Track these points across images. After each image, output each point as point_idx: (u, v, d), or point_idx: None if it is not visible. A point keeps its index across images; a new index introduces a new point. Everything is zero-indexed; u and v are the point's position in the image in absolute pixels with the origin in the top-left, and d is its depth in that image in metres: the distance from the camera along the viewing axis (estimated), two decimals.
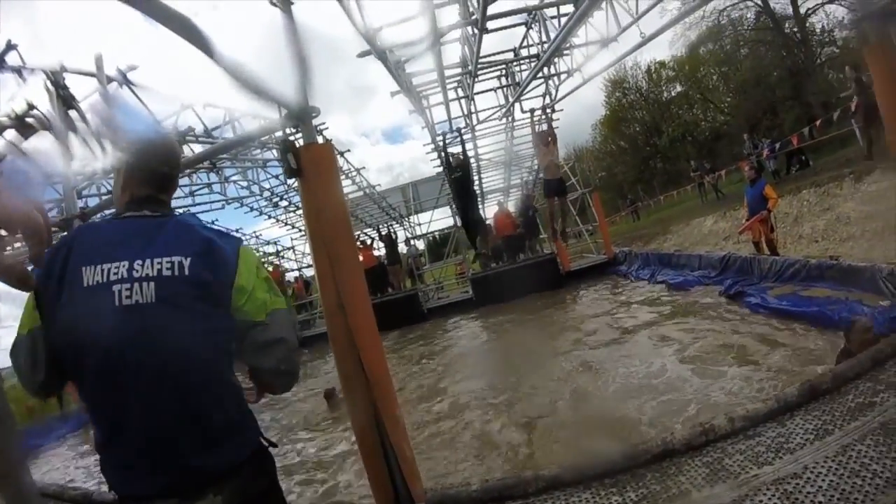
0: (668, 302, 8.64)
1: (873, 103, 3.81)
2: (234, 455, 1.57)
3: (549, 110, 11.58)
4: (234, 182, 14.87)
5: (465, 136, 11.66)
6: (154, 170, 1.67)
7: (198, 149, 9.44)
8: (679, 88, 35.46)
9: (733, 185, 21.02)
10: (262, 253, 22.72)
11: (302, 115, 2.58)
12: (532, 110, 10.48)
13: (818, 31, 27.36)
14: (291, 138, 2.68)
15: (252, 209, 17.27)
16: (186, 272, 1.49)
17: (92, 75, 6.29)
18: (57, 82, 6.04)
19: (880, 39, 3.57)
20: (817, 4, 26.29)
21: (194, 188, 14.01)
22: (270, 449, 1.76)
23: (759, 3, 28.17)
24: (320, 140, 2.73)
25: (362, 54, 6.71)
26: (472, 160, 12.90)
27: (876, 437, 2.24)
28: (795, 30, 27.44)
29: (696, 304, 7.91)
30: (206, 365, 1.51)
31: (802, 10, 26.87)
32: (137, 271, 1.46)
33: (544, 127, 10.49)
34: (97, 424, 1.52)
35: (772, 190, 9.49)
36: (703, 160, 24.94)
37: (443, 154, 10.42)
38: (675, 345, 6.16)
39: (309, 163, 2.48)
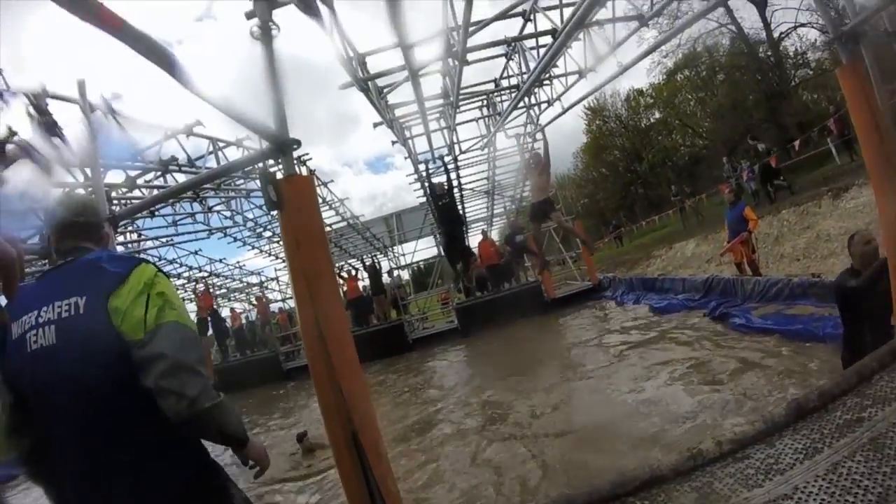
0: (654, 326, 8.66)
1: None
2: (158, 488, 1.56)
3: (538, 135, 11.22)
4: (218, 212, 14.77)
5: (448, 166, 11.72)
6: (71, 222, 1.75)
7: (181, 178, 9.39)
8: (658, 115, 35.97)
9: (714, 207, 21.25)
10: (244, 283, 22.50)
11: (282, 147, 2.58)
12: (518, 135, 10.31)
13: (792, 53, 27.97)
14: (273, 170, 2.69)
15: (236, 239, 17.12)
16: (82, 311, 1.53)
17: (75, 102, 6.22)
18: (39, 107, 5.99)
19: (851, 60, 3.66)
20: (790, 28, 26.91)
21: (178, 218, 13.88)
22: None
23: (734, 29, 28.81)
24: (303, 171, 2.72)
25: (345, 86, 6.73)
26: (455, 189, 12.89)
27: (866, 452, 2.23)
28: (769, 54, 28.05)
29: (681, 327, 7.94)
30: (108, 399, 1.51)
31: (775, 34, 27.50)
32: (42, 317, 1.54)
33: (538, 148, 9.92)
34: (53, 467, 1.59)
35: (751, 212, 9.59)
36: (682, 185, 25.26)
37: (426, 184, 10.38)
38: (663, 368, 6.16)
39: (289, 195, 2.47)
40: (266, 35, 2.68)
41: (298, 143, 2.64)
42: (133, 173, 8.35)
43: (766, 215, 14.11)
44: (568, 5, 6.22)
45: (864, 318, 3.86)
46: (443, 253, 11.71)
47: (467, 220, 18.40)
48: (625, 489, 2.48)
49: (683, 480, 2.45)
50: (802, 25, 26.12)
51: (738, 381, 5.15)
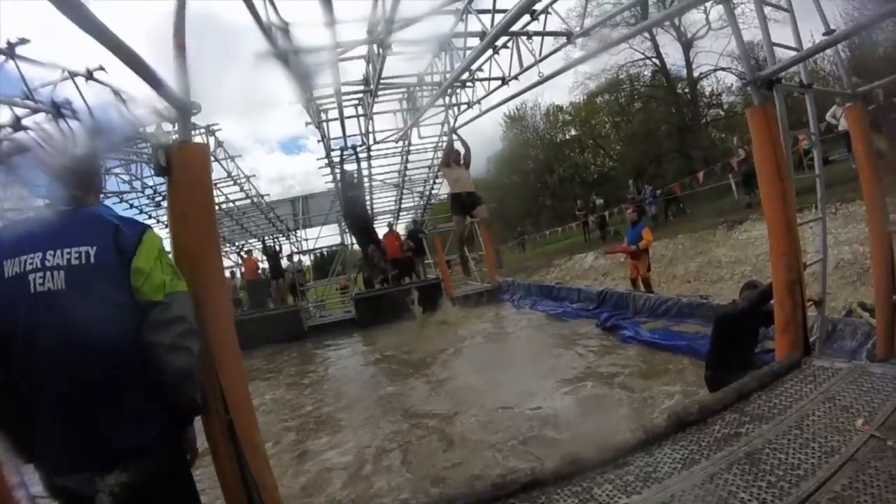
0: (547, 331, 8.91)
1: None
2: (141, 436, 1.70)
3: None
4: (116, 175, 13.70)
5: (360, 155, 11.49)
6: (66, 170, 1.81)
7: (75, 126, 8.54)
8: (574, 132, 37.12)
9: (616, 224, 22.12)
10: None
11: (181, 111, 2.38)
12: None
13: (707, 93, 29.92)
14: (172, 137, 2.49)
15: (132, 206, 15.94)
16: (93, 260, 1.63)
17: None
18: None
19: (762, 104, 3.87)
20: (710, 70, 28.78)
21: None
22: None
23: (657, 62, 30.42)
24: (210, 141, 2.53)
25: (262, 55, 6.31)
26: (365, 180, 12.65)
27: (742, 466, 2.33)
28: (687, 90, 29.90)
29: (573, 334, 8.22)
30: (113, 349, 1.62)
31: (695, 73, 29.34)
32: (49, 262, 1.61)
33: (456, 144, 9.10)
34: (25, 404, 1.64)
35: (648, 232, 10.08)
36: (589, 200, 26.13)
37: (338, 170, 10.03)
38: (551, 372, 6.32)
39: (180, 163, 2.28)
40: None
41: (198, 107, 2.44)
42: (20, 112, 7.56)
43: (663, 238, 14.86)
44: (500, 11, 6.22)
45: (734, 343, 4.13)
46: (352, 240, 11.34)
47: (375, 211, 18.21)
48: (505, 490, 2.47)
49: (564, 484, 2.47)
50: (721, 69, 28.03)
51: (621, 390, 5.35)
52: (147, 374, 1.69)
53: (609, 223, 22.03)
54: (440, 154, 14.74)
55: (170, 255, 1.91)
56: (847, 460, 2.22)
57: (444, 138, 13.27)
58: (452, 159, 8.51)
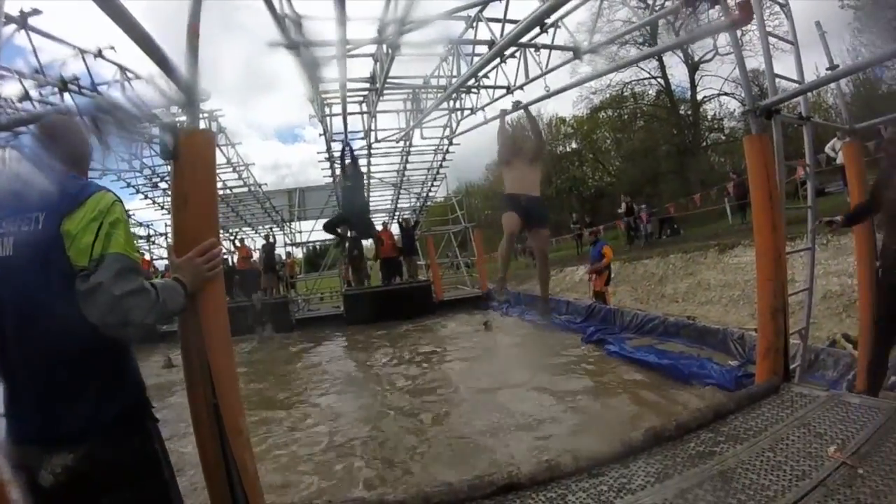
0: (533, 341, 8.94)
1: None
2: (93, 418, 1.59)
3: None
4: (116, 152, 13.64)
5: (360, 153, 11.52)
6: (49, 145, 1.75)
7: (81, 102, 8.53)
8: (574, 145, 37.27)
9: (609, 240, 22.22)
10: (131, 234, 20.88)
11: (190, 97, 2.42)
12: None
13: (709, 117, 30.30)
14: (177, 120, 2.52)
15: (129, 185, 15.87)
16: (40, 226, 1.54)
17: None
18: None
19: (760, 131, 3.94)
20: (714, 94, 29.21)
21: None
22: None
23: (662, 83, 30.74)
24: (212, 126, 2.56)
25: (274, 44, 6.29)
26: (364, 176, 12.65)
27: (714, 483, 2.38)
28: (689, 112, 30.27)
29: (559, 346, 8.24)
30: (60, 319, 1.52)
31: (699, 96, 29.76)
32: (3, 229, 1.57)
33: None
34: None
35: (608, 249, 10.79)
36: (584, 214, 26.22)
37: (344, 161, 9.86)
38: (534, 382, 6.36)
39: (187, 148, 2.31)
40: None
41: (208, 94, 2.48)
42: (28, 83, 7.56)
43: (655, 256, 14.95)
44: (511, 21, 6.27)
45: None
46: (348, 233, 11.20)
47: (371, 209, 18.25)
48: (482, 492, 2.51)
49: (539, 490, 2.52)
50: (725, 94, 28.50)
51: (601, 403, 5.41)
52: (105, 351, 1.63)
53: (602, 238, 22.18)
54: (440, 157, 14.85)
55: (127, 218, 1.72)
56: (817, 485, 2.27)
57: (445, 141, 13.32)
58: (513, 151, 5.82)
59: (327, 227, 10.25)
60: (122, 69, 9.05)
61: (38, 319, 1.53)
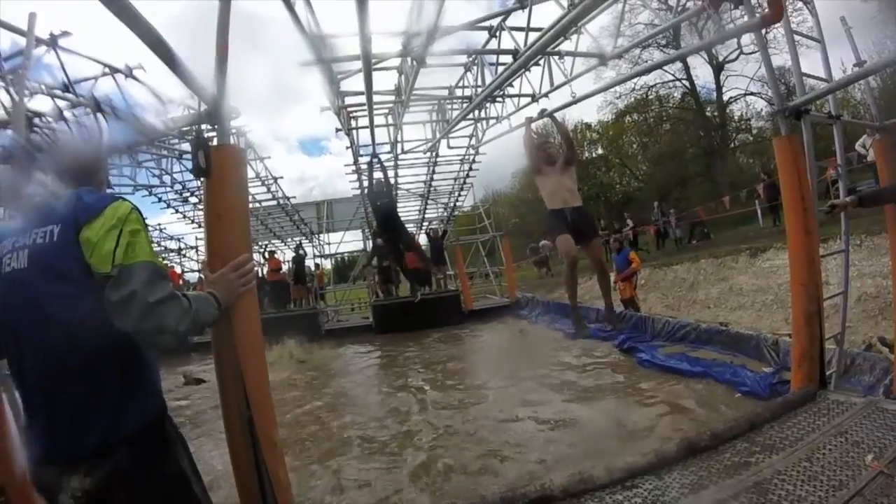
0: (565, 350, 8.87)
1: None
2: (108, 432, 1.55)
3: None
4: (147, 168, 13.96)
5: (387, 164, 11.58)
6: (67, 168, 1.73)
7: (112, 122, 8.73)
8: (600, 151, 36.99)
9: (644, 245, 22.02)
10: (162, 248, 21.29)
11: (219, 114, 2.47)
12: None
13: (736, 118, 29.78)
14: (207, 136, 2.56)
15: (160, 199, 16.20)
16: (55, 238, 1.53)
17: (21, 33, 5.77)
18: None
19: (790, 132, 3.88)
20: (740, 94, 28.73)
21: None
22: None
23: (687, 85, 30.40)
24: (241, 142, 2.62)
25: (306, 64, 6.38)
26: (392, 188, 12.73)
27: (750, 494, 2.35)
28: (716, 114, 29.86)
29: (590, 354, 8.16)
30: (77, 331, 1.49)
31: (725, 97, 29.36)
32: (18, 243, 1.56)
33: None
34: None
35: (635, 255, 10.96)
36: (613, 220, 25.96)
37: (374, 174, 9.89)
38: (568, 391, 6.32)
39: (218, 164, 2.36)
40: None
41: (238, 112, 2.54)
42: (62, 104, 7.79)
43: (685, 262, 14.74)
44: (534, 30, 6.28)
45: None
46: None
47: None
48: None
49: (572, 502, 2.50)
50: (752, 94, 27.99)
51: (634, 413, 5.33)
52: (122, 364, 1.60)
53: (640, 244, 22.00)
54: (466, 166, 14.86)
55: (146, 227, 1.69)
56: (854, 495, 2.23)
57: (471, 151, 13.35)
58: (544, 159, 5.74)
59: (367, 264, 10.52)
60: (153, 91, 9.23)
61: (52, 332, 1.50)
